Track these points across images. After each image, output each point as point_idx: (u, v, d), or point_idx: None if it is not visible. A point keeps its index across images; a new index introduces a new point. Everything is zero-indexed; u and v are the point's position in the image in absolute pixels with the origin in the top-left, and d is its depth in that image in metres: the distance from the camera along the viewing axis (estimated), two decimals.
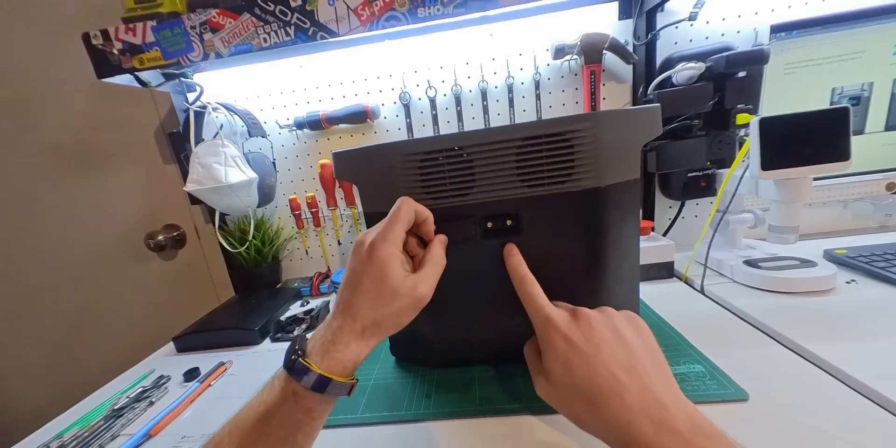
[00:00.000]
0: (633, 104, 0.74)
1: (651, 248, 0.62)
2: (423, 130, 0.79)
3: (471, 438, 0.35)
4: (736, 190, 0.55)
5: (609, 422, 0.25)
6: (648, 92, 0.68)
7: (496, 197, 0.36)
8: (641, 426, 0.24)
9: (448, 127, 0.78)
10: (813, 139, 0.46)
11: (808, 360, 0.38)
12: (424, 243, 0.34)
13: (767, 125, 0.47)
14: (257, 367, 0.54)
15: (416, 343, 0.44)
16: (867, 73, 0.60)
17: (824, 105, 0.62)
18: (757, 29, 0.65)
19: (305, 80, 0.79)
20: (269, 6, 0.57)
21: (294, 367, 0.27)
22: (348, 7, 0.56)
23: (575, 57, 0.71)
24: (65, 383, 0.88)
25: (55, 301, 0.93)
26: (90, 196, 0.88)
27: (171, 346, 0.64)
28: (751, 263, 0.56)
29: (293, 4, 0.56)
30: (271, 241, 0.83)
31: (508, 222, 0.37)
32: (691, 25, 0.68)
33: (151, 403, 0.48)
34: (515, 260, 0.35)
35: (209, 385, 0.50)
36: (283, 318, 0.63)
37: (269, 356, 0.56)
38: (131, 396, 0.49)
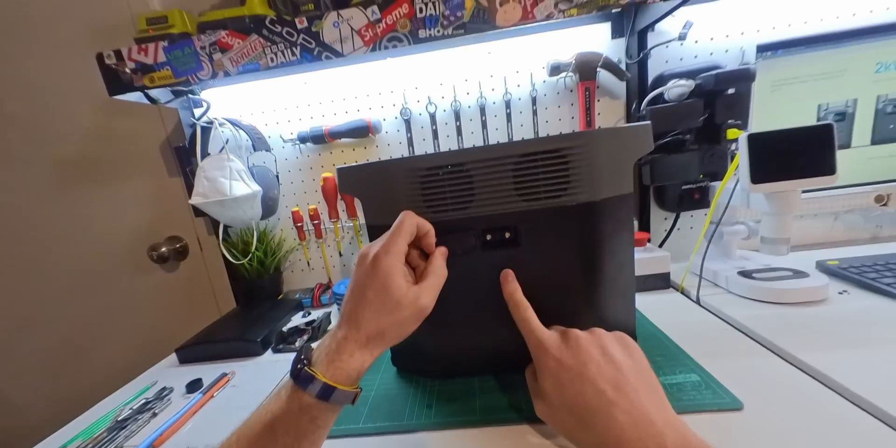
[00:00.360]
0: (627, 120, 0.76)
1: (647, 260, 0.63)
2: (424, 144, 0.81)
3: None
4: (728, 202, 0.57)
5: (600, 438, 0.26)
6: (641, 108, 0.70)
7: (495, 211, 0.37)
8: (631, 442, 0.25)
9: (448, 141, 0.80)
10: (799, 154, 0.48)
11: (801, 370, 0.39)
12: (426, 255, 0.35)
13: (755, 141, 0.49)
14: (260, 378, 0.54)
15: (418, 353, 0.45)
16: (851, 90, 0.63)
17: (811, 121, 0.64)
18: (744, 48, 0.68)
19: (309, 96, 0.81)
20: (277, 28, 0.59)
21: (300, 375, 0.28)
22: (352, 28, 0.58)
23: (570, 74, 0.74)
24: (67, 395, 0.87)
25: (57, 313, 0.94)
26: (94, 209, 0.90)
27: (173, 357, 0.64)
28: (745, 274, 0.57)
29: (299, 26, 0.59)
30: (273, 253, 0.84)
31: (507, 235, 0.38)
32: (681, 45, 0.70)
33: (154, 415, 0.48)
34: (511, 286, 0.37)
35: (212, 396, 0.51)
36: (284, 329, 0.64)
37: (271, 367, 0.57)
38: (134, 408, 0.50)
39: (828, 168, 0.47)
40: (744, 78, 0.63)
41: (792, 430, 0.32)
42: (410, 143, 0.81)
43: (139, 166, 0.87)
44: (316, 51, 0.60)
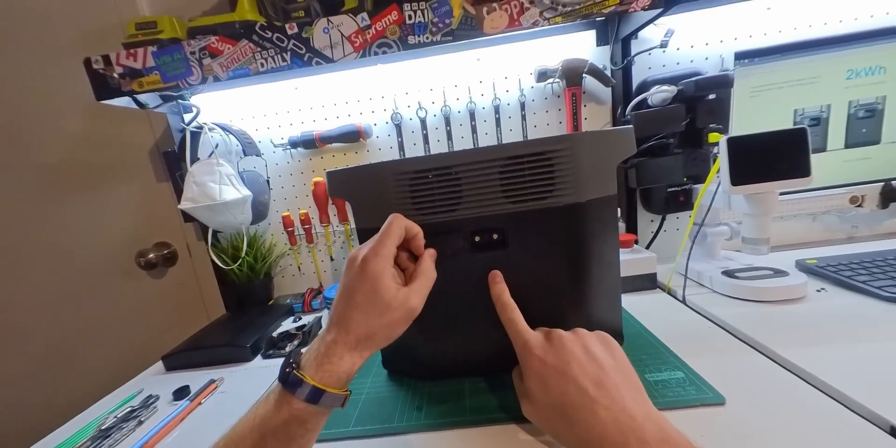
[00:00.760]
0: (613, 124, 0.78)
1: (634, 261, 0.64)
2: (414, 149, 0.82)
3: None
4: (711, 204, 0.59)
5: (584, 434, 0.27)
6: (626, 113, 0.72)
7: (483, 213, 0.38)
8: (612, 437, 0.25)
9: (438, 146, 0.81)
10: (776, 157, 0.50)
11: (781, 366, 0.40)
12: (415, 258, 0.36)
13: (734, 144, 0.51)
14: (249, 384, 0.53)
15: (408, 356, 0.45)
16: (824, 96, 0.65)
17: (788, 125, 0.67)
18: (723, 56, 0.70)
19: (300, 101, 0.82)
20: (267, 34, 0.60)
21: (288, 379, 0.28)
22: (342, 34, 0.59)
23: (557, 80, 0.75)
24: (51, 404, 0.85)
25: (43, 319, 0.92)
26: (81, 215, 0.88)
27: (160, 364, 0.63)
28: (729, 274, 0.59)
29: (290, 32, 0.59)
30: (264, 258, 0.84)
31: (495, 236, 0.39)
32: (663, 52, 0.73)
33: (140, 423, 0.47)
34: (499, 288, 0.37)
35: (199, 403, 0.50)
36: (274, 334, 0.63)
37: (260, 373, 0.56)
38: (119, 416, 0.49)
39: (803, 170, 0.49)
40: (723, 84, 0.65)
41: (772, 424, 0.33)
42: (401, 147, 0.82)
43: (127, 172, 0.86)
44: (306, 56, 0.60)
